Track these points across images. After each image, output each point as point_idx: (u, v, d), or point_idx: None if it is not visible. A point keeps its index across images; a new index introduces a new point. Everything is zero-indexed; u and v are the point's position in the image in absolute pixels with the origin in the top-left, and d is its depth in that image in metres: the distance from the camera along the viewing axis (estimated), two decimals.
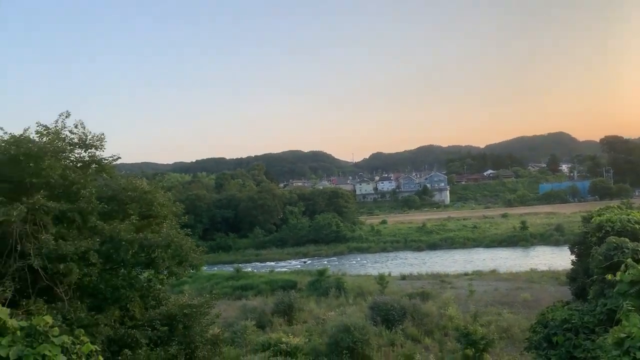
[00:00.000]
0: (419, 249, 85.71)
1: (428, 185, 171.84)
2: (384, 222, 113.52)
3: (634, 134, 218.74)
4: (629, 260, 11.33)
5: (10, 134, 13.29)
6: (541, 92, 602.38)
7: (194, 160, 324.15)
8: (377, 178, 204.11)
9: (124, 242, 12.73)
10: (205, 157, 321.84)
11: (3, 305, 8.20)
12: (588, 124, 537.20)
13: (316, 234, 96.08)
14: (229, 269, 66.46)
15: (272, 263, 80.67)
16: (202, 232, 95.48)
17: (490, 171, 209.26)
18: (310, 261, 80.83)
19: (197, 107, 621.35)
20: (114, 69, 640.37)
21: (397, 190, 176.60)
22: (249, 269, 66.14)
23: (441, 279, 50.85)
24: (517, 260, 66.61)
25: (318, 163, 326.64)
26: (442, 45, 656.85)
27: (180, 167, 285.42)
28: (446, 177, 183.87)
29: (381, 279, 43.91)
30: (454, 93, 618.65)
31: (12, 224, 11.06)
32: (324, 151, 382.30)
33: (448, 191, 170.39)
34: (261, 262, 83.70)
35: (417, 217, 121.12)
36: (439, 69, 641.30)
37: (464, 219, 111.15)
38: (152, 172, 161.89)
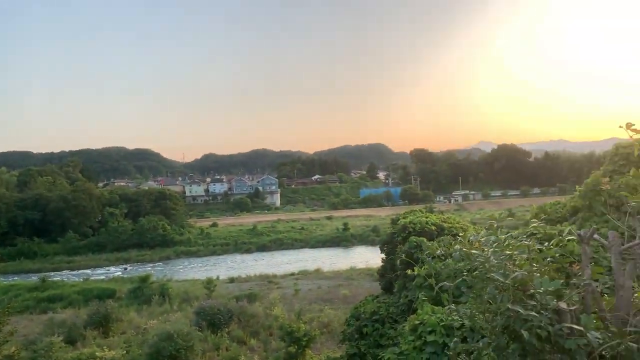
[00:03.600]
0: (248, 251, 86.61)
1: (260, 188, 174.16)
2: (214, 224, 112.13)
3: (437, 148, 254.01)
4: (425, 256, 12.93)
5: None
6: (365, 108, 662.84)
7: None
8: (208, 180, 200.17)
9: None
10: (6, 150, 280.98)
11: None
12: (401, 138, 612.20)
13: (140, 238, 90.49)
14: (33, 278, 58.66)
15: (88, 271, 73.41)
16: (0, 237, 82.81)
17: (317, 176, 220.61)
18: (132, 267, 75.64)
19: None
20: None
21: (229, 192, 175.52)
22: (58, 278, 59.32)
23: (269, 280, 52.04)
24: (339, 259, 71.52)
25: (144, 162, 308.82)
26: (280, 52, 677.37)
27: None
28: (277, 180, 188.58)
29: (209, 283, 43.35)
30: (288, 100, 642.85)
31: None
32: (152, 149, 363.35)
33: (279, 194, 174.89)
34: (74, 270, 75.56)
35: (249, 220, 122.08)
36: (275, 76, 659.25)
37: (293, 221, 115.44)
38: None
